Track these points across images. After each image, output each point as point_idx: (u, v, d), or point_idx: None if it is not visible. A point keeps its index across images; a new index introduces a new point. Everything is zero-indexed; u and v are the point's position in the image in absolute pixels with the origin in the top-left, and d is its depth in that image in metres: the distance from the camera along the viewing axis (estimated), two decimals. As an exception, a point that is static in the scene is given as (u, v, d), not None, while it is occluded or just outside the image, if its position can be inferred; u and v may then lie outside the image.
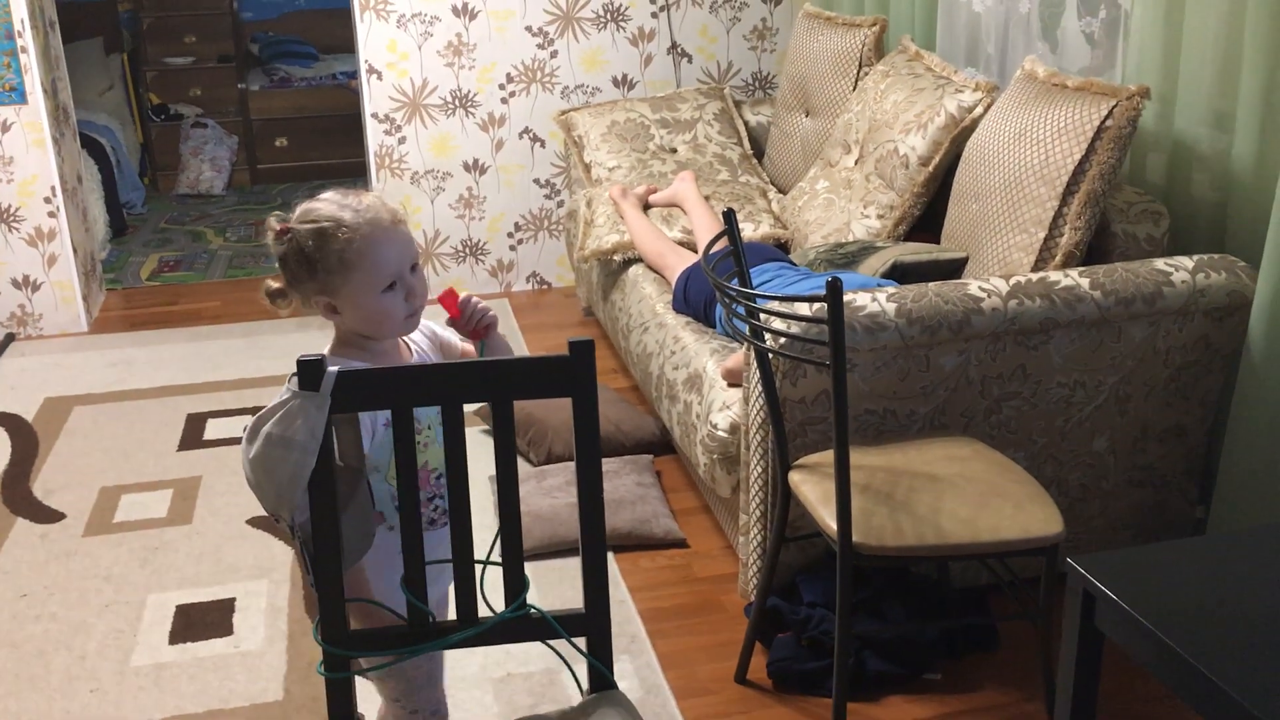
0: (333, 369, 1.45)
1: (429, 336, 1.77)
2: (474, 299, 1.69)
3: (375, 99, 4.26)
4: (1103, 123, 2.43)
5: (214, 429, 3.46)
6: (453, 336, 1.80)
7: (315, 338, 3.99)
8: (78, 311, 4.26)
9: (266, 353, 4.02)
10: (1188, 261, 2.36)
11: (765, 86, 4.58)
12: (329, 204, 1.59)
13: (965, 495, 2.00)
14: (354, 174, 6.40)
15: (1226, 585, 1.33)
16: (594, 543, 1.54)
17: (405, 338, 1.71)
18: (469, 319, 1.67)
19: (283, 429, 1.43)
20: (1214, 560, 1.40)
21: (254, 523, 2.95)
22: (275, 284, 1.64)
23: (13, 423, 3.53)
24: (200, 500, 3.07)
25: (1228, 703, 1.13)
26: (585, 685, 1.63)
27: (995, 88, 2.94)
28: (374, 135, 4.30)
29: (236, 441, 3.36)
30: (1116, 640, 1.31)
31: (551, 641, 1.59)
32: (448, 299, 1.67)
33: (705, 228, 3.34)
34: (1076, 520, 2.50)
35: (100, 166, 5.29)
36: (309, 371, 1.44)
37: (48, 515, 3.01)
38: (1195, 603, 1.29)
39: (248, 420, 1.51)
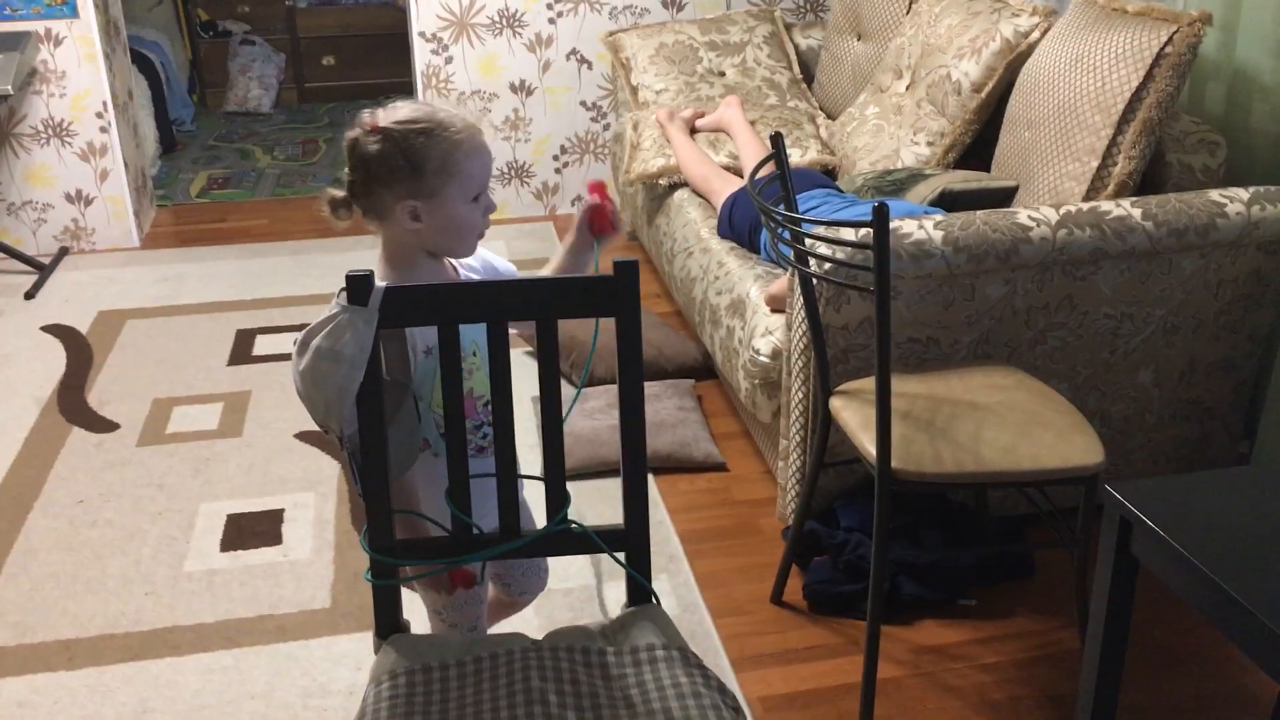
0: (381, 284, 1.47)
1: (483, 264, 1.75)
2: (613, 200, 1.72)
3: (423, 17, 4.23)
4: (1162, 49, 2.37)
5: (263, 345, 3.52)
6: (509, 268, 1.80)
7: (364, 257, 4.02)
8: (129, 226, 4.31)
9: (313, 270, 4.06)
10: (1243, 193, 2.32)
11: (817, 9, 4.51)
12: (424, 108, 1.55)
13: (1006, 424, 2.00)
14: (401, 93, 6.39)
15: (1267, 516, 1.33)
16: (635, 459, 1.56)
17: (459, 264, 1.70)
18: (609, 212, 1.70)
19: (331, 342, 1.46)
20: (1256, 491, 1.40)
21: (302, 437, 3.01)
22: (339, 193, 1.59)
23: (67, 335, 3.61)
24: (250, 414, 3.13)
25: (1263, 632, 1.14)
26: (622, 601, 1.66)
27: (1053, 12, 2.88)
28: (421, 54, 4.28)
29: (285, 358, 3.42)
30: (1152, 568, 1.31)
31: (592, 556, 1.62)
32: (597, 186, 1.72)
33: (751, 153, 3.31)
34: (1118, 453, 2.49)
35: (150, 82, 5.31)
36: (358, 286, 1.46)
37: (103, 425, 3.09)
38: (1234, 533, 1.29)
39: (296, 337, 1.53)
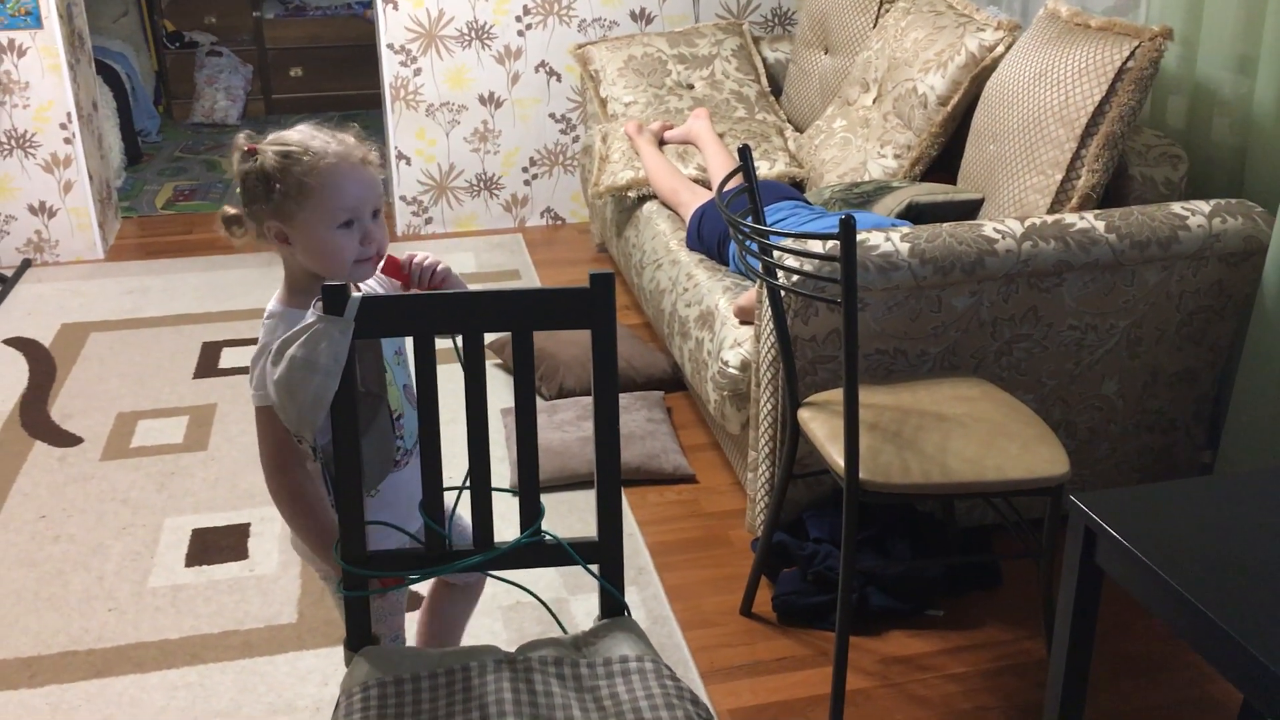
0: (357, 294, 1.47)
1: (388, 293, 1.72)
2: (415, 257, 1.67)
3: (391, 29, 4.23)
4: (1124, 64, 2.40)
5: (229, 357, 3.49)
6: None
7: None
8: (93, 238, 4.27)
9: (280, 283, 4.03)
10: (1204, 206, 2.35)
11: (784, 23, 4.53)
12: (301, 132, 1.58)
13: (972, 435, 2.01)
14: (369, 105, 6.37)
15: (1229, 526, 1.35)
16: (609, 471, 1.56)
17: (361, 288, 1.69)
18: (419, 277, 1.66)
19: (307, 352, 1.45)
20: (1217, 501, 1.42)
21: (268, 450, 2.98)
22: (232, 210, 1.61)
23: (30, 348, 3.57)
24: (216, 427, 3.10)
25: (1225, 640, 1.15)
26: (590, 613, 1.65)
27: (1017, 26, 2.91)
28: (389, 66, 4.27)
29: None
30: (1115, 577, 1.33)
31: (567, 567, 1.62)
32: (389, 267, 1.65)
33: (720, 165, 3.33)
34: (1084, 463, 2.51)
35: (115, 93, 5.27)
36: (334, 296, 1.46)
37: (65, 439, 3.05)
38: (1196, 542, 1.30)
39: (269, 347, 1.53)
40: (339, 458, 1.50)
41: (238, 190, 1.59)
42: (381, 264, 1.64)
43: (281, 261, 1.64)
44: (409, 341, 1.56)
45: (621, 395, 3.11)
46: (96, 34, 5.33)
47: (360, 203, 1.58)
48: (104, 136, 4.65)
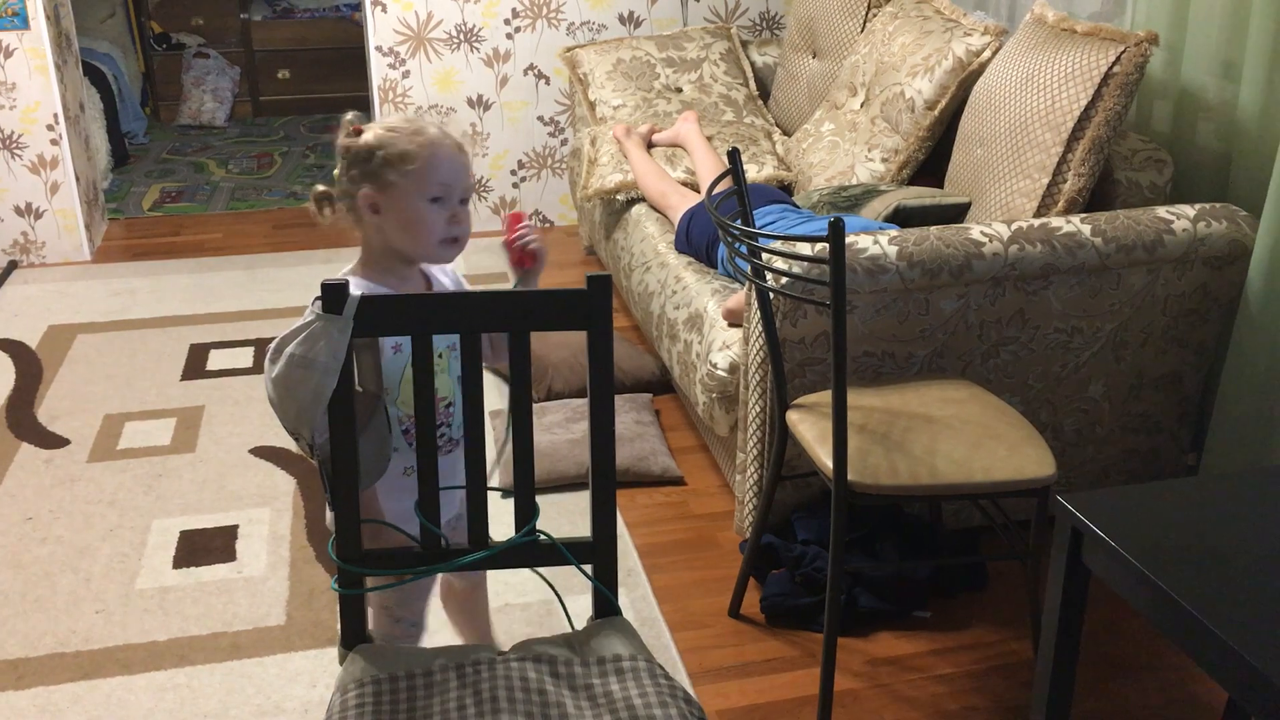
0: (356, 293, 1.47)
1: (455, 283, 1.81)
2: (533, 227, 1.74)
3: (379, 31, 4.23)
4: (1110, 69, 2.42)
5: (216, 360, 3.49)
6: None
7: (318, 271, 4.00)
8: (80, 240, 4.26)
9: (268, 285, 4.03)
10: (1189, 210, 2.37)
11: (773, 27, 4.55)
12: (410, 117, 1.67)
13: (960, 437, 2.03)
14: (357, 108, 6.35)
15: (1214, 525, 1.36)
16: (604, 472, 1.57)
17: (432, 274, 1.74)
18: (518, 238, 1.72)
19: (305, 350, 1.47)
20: (1202, 501, 1.43)
21: (257, 452, 2.98)
22: (323, 187, 1.69)
23: (17, 350, 3.55)
24: (203, 429, 3.10)
25: (1211, 639, 1.16)
26: (585, 614, 1.66)
27: (1004, 31, 2.93)
28: (377, 69, 4.28)
29: (239, 372, 3.38)
30: (1102, 576, 1.34)
31: (557, 569, 1.63)
32: (513, 217, 1.74)
33: (708, 168, 3.34)
34: (1070, 465, 2.53)
35: (102, 95, 5.25)
36: (333, 295, 1.46)
37: (52, 441, 3.04)
38: (1181, 541, 1.32)
39: (251, 351, 1.54)
40: (336, 456, 1.51)
41: (338, 169, 1.66)
42: (508, 218, 1.73)
43: (362, 239, 1.69)
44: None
45: (610, 397, 3.12)
46: (83, 35, 5.32)
47: (453, 182, 1.64)
48: (91, 138, 4.63)
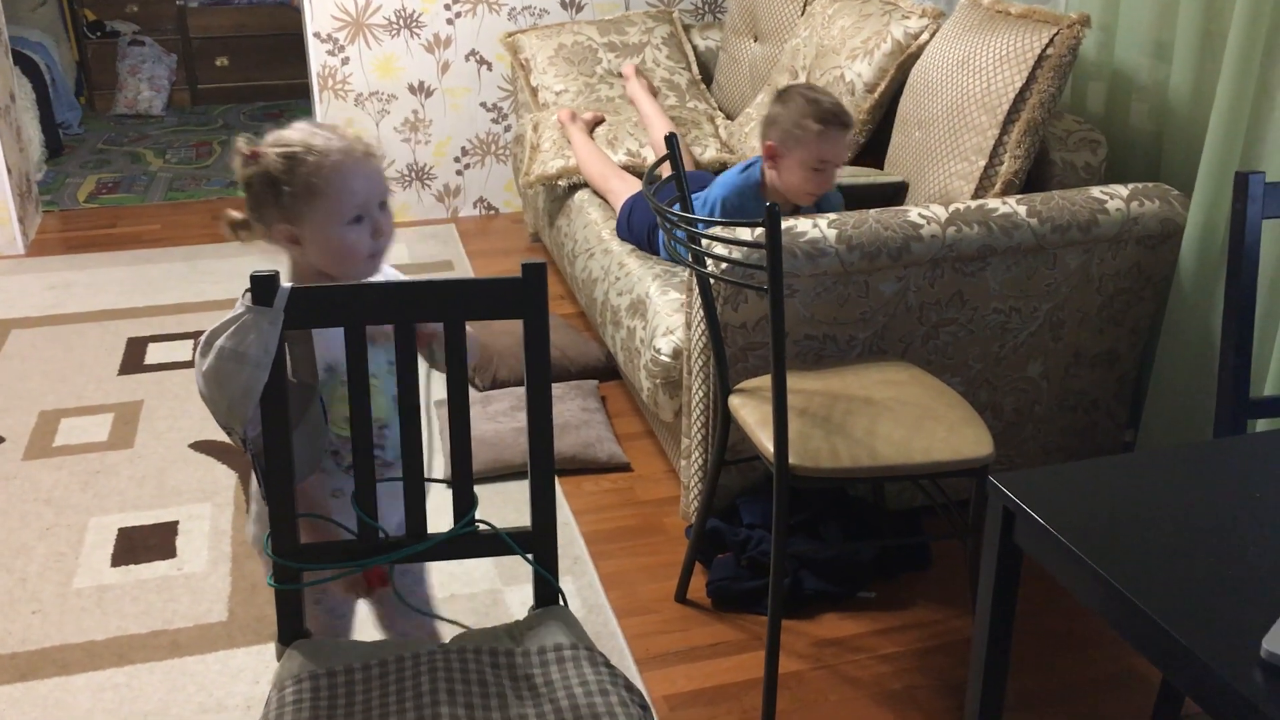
0: (286, 284, 1.45)
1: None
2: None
3: (317, 18, 4.17)
4: (1043, 51, 2.44)
5: (155, 353, 3.43)
6: None
7: (257, 262, 3.94)
8: (13, 234, 4.17)
9: (208, 277, 3.97)
10: (1122, 190, 2.40)
11: (715, 10, 4.54)
12: (300, 131, 1.57)
13: (899, 418, 2.04)
14: (297, 96, 6.29)
15: (1144, 502, 1.38)
16: (542, 460, 1.56)
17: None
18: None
19: (235, 343, 1.44)
20: (1134, 478, 1.45)
21: (196, 447, 2.94)
22: (237, 214, 1.61)
23: (-52, 346, 3.48)
24: (142, 424, 3.05)
25: (1140, 617, 1.18)
26: (526, 604, 1.66)
27: (941, 14, 2.94)
28: (316, 55, 4.22)
29: (178, 366, 3.33)
30: (1033, 555, 1.35)
31: (502, 559, 1.62)
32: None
33: (658, 128, 3.39)
34: (1010, 444, 2.56)
35: (34, 85, 5.15)
36: (263, 286, 1.44)
37: (-14, 439, 2.98)
38: (1110, 518, 1.33)
39: (190, 345, 1.51)
40: (269, 450, 1.49)
41: (242, 194, 1.58)
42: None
43: (288, 259, 1.62)
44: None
45: (556, 385, 3.11)
46: (14, 24, 5.21)
47: (369, 197, 1.57)
48: (23, 129, 4.53)
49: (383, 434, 1.67)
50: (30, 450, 2.93)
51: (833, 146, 2.44)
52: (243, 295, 1.47)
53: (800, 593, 2.37)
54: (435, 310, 1.54)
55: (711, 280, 2.14)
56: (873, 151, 3.04)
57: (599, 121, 3.60)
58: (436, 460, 2.84)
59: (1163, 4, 2.50)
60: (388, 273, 1.74)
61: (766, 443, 1.98)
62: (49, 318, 3.68)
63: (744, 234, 2.20)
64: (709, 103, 3.79)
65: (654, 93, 3.70)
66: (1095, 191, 2.39)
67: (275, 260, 1.62)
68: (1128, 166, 2.63)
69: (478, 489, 1.60)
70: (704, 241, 2.10)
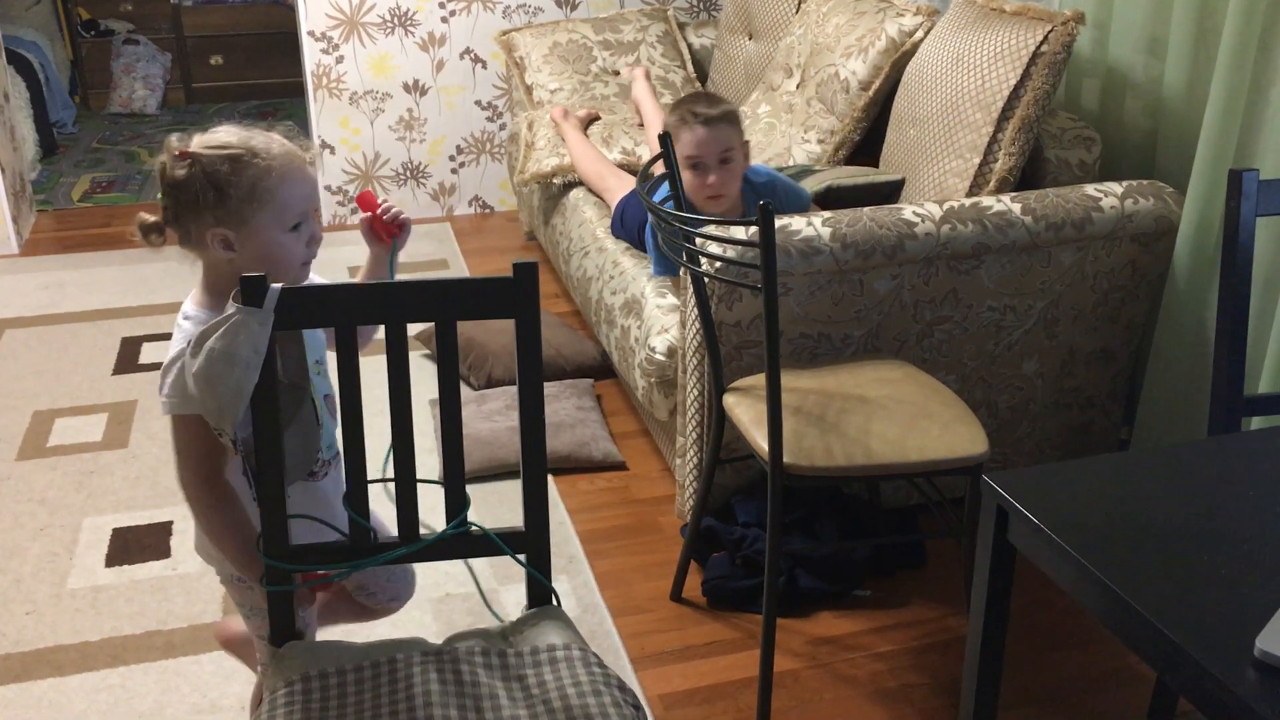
0: (276, 285, 1.44)
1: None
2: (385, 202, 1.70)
3: (312, 16, 4.16)
4: (1038, 48, 2.44)
5: (149, 353, 3.42)
6: None
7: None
8: (7, 233, 4.16)
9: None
10: (1117, 187, 2.40)
11: (709, 8, 4.54)
12: (231, 132, 1.53)
13: (894, 417, 2.04)
14: (292, 94, 6.28)
15: (1139, 502, 1.37)
16: (535, 461, 1.56)
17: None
18: (385, 210, 1.68)
19: (226, 344, 1.43)
20: (1128, 476, 1.45)
21: (191, 446, 2.93)
22: (152, 217, 1.55)
23: (-59, 346, 3.47)
24: (136, 424, 3.04)
25: (1131, 614, 1.18)
26: (520, 604, 1.65)
27: (935, 11, 2.94)
28: (310, 54, 4.21)
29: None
30: (1026, 554, 1.35)
31: (496, 559, 1.62)
32: (365, 198, 1.68)
33: (659, 127, 3.37)
34: (1005, 442, 2.55)
35: (28, 84, 5.14)
36: (252, 287, 1.43)
37: (-21, 440, 2.98)
38: (1103, 516, 1.33)
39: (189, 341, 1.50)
40: (260, 451, 1.48)
41: (164, 199, 1.52)
42: (357, 196, 1.66)
43: (203, 264, 1.58)
44: (330, 352, 1.55)
45: (551, 383, 3.10)
46: (8, 23, 5.19)
47: (307, 204, 1.56)
48: (16, 128, 4.52)
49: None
50: (24, 450, 2.92)
51: (699, 143, 2.39)
52: (233, 295, 1.45)
53: (795, 591, 2.37)
54: (426, 310, 1.53)
55: (706, 279, 2.14)
56: (869, 150, 3.03)
57: (593, 119, 3.60)
58: (434, 459, 2.83)
59: (1157, 1, 2.50)
60: (313, 280, 1.71)
61: (761, 441, 1.98)
62: (43, 317, 3.67)
63: (738, 233, 2.20)
64: (704, 101, 3.78)
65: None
66: (1090, 189, 2.39)
67: (190, 265, 1.58)
68: (1122, 164, 2.63)
69: (473, 488, 1.60)
70: (698, 241, 2.09)
